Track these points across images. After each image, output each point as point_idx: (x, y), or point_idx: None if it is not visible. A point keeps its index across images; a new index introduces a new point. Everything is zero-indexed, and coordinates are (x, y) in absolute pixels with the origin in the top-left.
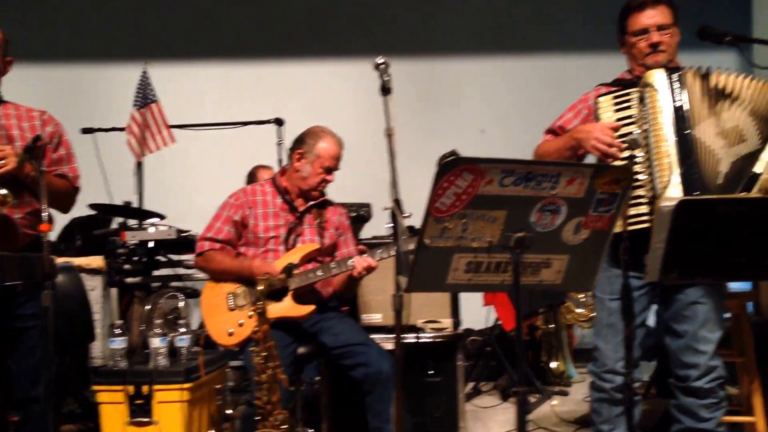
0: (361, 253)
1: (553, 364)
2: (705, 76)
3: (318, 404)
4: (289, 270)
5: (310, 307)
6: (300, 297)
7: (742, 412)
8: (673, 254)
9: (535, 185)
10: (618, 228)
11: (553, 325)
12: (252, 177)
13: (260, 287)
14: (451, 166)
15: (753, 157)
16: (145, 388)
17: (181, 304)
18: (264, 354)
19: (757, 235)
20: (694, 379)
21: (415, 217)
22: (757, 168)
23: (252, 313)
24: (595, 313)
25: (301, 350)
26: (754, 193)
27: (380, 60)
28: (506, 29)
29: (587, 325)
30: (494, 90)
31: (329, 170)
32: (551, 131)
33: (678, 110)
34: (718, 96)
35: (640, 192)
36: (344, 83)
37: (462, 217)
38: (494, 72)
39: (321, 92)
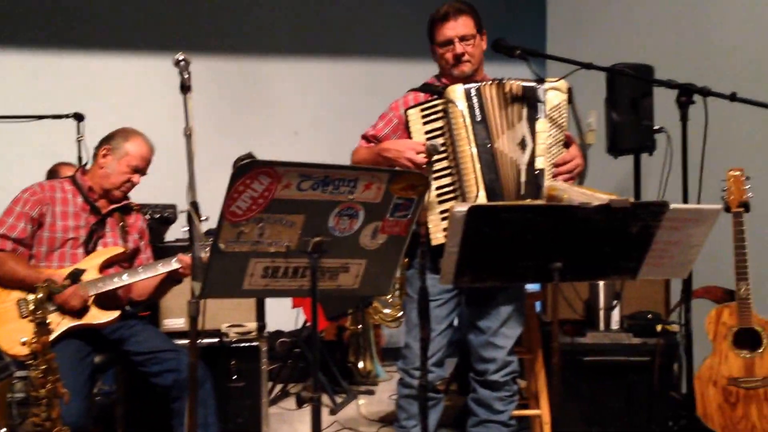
0: (183, 251)
1: (360, 364)
2: (501, 89)
3: (113, 414)
4: (75, 276)
5: (115, 313)
6: (102, 303)
7: (529, 406)
8: (465, 258)
9: (333, 190)
10: (438, 241)
11: (360, 326)
12: (53, 174)
13: (39, 294)
14: (246, 169)
15: (531, 158)
16: None
17: None
18: (43, 367)
19: (539, 240)
20: (491, 373)
21: (213, 221)
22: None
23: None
24: (401, 313)
25: (97, 359)
26: (539, 200)
27: (180, 56)
28: (320, 31)
29: (394, 324)
30: (307, 92)
31: (136, 170)
32: (366, 138)
33: (478, 124)
34: (528, 109)
35: (452, 204)
36: (149, 79)
37: (259, 221)
38: (307, 74)
39: (125, 88)
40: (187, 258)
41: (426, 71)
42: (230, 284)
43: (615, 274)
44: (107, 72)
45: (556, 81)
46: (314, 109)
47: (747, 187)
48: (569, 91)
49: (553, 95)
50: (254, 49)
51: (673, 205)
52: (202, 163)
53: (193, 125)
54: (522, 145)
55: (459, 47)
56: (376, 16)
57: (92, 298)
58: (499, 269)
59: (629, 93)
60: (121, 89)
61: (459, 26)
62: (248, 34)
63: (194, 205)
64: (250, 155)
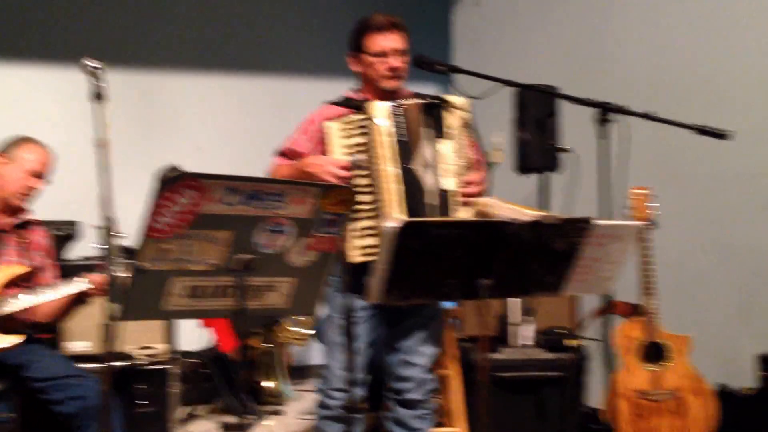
0: (89, 270)
1: (268, 384)
2: (424, 109)
3: None
4: None
5: (19, 338)
6: (1, 327)
7: (444, 424)
8: (395, 275)
9: (261, 204)
10: (353, 259)
11: (269, 345)
12: None
13: None
14: (171, 181)
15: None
16: None
17: None
18: None
19: (468, 256)
20: (409, 392)
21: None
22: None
23: None
24: (309, 332)
25: None
26: (470, 216)
27: (93, 63)
28: (224, 46)
29: (302, 343)
30: (211, 108)
31: (35, 175)
32: (282, 154)
33: (400, 143)
34: (436, 128)
35: (370, 223)
36: (46, 89)
37: (183, 237)
38: (211, 89)
39: (21, 97)
40: (97, 277)
41: (333, 88)
42: (152, 305)
43: (540, 290)
44: (2, 80)
45: (457, 99)
46: (218, 125)
47: (653, 204)
48: (469, 109)
49: (455, 113)
50: (156, 63)
51: (597, 222)
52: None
53: (108, 135)
54: (427, 165)
55: (396, 61)
56: (282, 31)
57: None
58: (428, 287)
59: (536, 113)
60: (14, 101)
61: (398, 40)
62: (149, 48)
63: (110, 221)
64: (175, 168)
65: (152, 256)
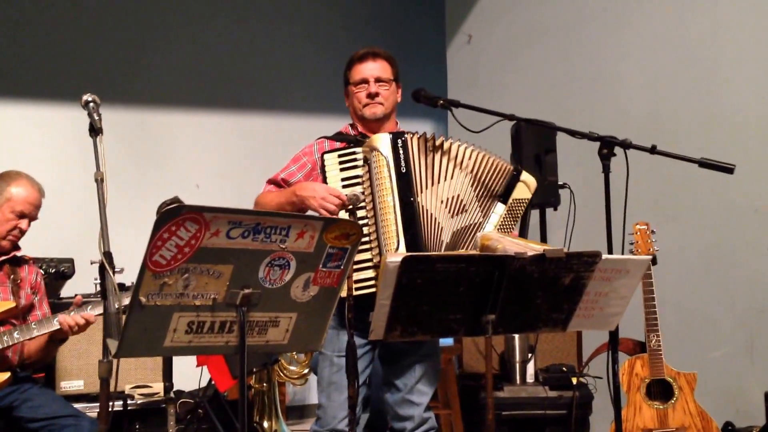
0: (77, 306)
1: (265, 424)
2: (430, 143)
3: None
4: None
5: (4, 375)
6: None
7: None
8: (397, 311)
9: (264, 238)
10: (344, 293)
11: (266, 384)
12: None
13: None
14: (173, 214)
15: (474, 229)
16: None
17: None
18: None
19: (472, 291)
20: (409, 431)
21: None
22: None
23: None
24: (307, 371)
25: None
26: (471, 250)
27: (89, 97)
28: (221, 83)
29: (299, 382)
30: (209, 145)
31: (22, 216)
32: (274, 182)
33: (402, 177)
34: (441, 164)
35: (367, 255)
36: (39, 128)
37: (184, 271)
38: (209, 126)
39: (14, 137)
40: (66, 318)
41: (330, 125)
42: (150, 341)
43: (546, 326)
44: None
45: (529, 177)
46: (216, 161)
47: (653, 240)
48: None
49: (522, 188)
50: (153, 100)
51: (605, 256)
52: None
53: (105, 170)
54: (448, 204)
55: (373, 87)
56: (280, 69)
57: None
58: (431, 322)
59: (533, 149)
60: (10, 138)
61: (376, 68)
62: (146, 85)
63: (108, 255)
64: (176, 200)
65: (151, 290)
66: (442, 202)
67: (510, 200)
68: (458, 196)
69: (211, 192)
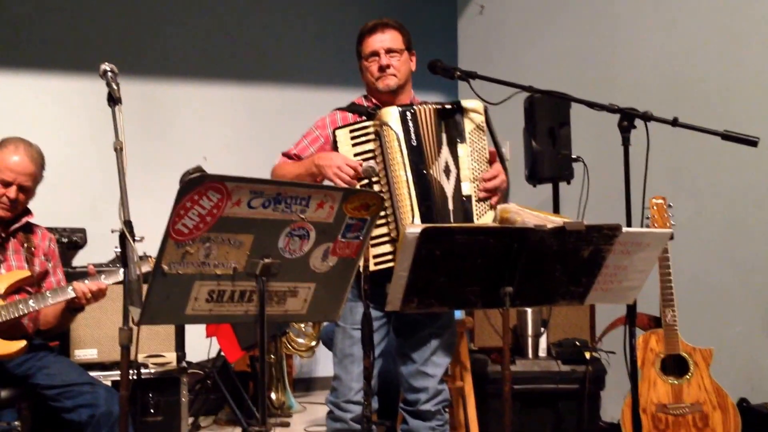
0: (88, 275)
1: (273, 396)
2: (438, 113)
3: None
4: None
5: (21, 343)
6: (6, 333)
7: None
8: (415, 283)
9: (285, 208)
10: (364, 268)
11: (273, 356)
12: None
13: None
14: (195, 183)
15: (459, 184)
16: None
17: None
18: None
19: (490, 264)
20: (423, 402)
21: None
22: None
23: None
24: (314, 343)
25: (3, 394)
26: (490, 222)
27: (107, 66)
28: (229, 55)
29: (307, 354)
30: (217, 116)
31: (7, 184)
32: (288, 156)
33: (414, 150)
34: (452, 132)
35: (384, 230)
36: (50, 98)
37: (205, 240)
38: (217, 98)
39: (26, 107)
40: (82, 286)
41: (342, 97)
42: (172, 309)
43: (563, 299)
44: (6, 90)
45: (472, 102)
46: (224, 133)
47: (670, 215)
48: (485, 111)
49: (471, 117)
50: (161, 72)
51: (625, 229)
52: (110, 189)
53: (124, 139)
54: (446, 171)
55: (384, 59)
56: (290, 41)
57: None
58: (448, 294)
59: (547, 122)
60: (22, 108)
61: (386, 39)
62: (155, 58)
63: (128, 224)
64: (199, 168)
65: (173, 259)
66: (442, 170)
67: (466, 136)
68: (466, 163)
69: (218, 164)
